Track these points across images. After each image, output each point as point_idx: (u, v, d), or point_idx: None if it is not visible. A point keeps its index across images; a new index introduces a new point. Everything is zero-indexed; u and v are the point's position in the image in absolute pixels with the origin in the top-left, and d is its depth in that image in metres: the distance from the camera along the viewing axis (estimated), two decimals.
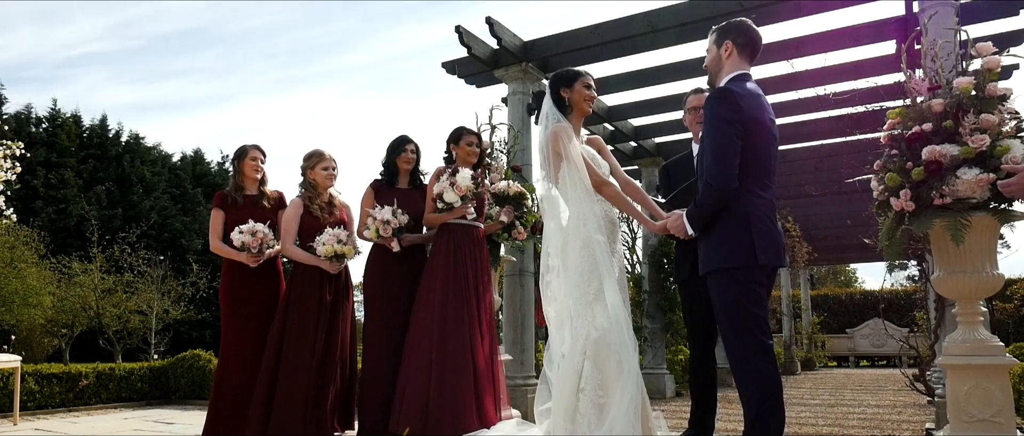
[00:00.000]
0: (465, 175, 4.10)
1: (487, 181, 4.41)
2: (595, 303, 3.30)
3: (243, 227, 4.32)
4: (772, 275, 3.16)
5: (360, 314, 5.94)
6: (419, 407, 3.95)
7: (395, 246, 4.27)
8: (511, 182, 4.32)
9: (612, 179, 3.60)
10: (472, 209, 4.23)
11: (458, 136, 4.47)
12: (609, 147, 8.94)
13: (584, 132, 3.73)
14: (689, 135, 8.64)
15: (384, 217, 4.24)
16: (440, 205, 4.20)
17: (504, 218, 4.38)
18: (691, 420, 4.00)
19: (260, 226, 4.35)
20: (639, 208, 3.66)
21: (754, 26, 3.19)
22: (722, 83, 3.10)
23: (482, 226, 4.42)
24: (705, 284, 3.93)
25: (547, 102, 3.61)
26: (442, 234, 4.30)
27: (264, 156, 4.66)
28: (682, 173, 4.15)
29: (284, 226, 4.44)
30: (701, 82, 7.10)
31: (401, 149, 4.57)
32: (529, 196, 4.44)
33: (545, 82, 6.94)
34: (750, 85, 3.07)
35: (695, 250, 3.87)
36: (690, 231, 3.07)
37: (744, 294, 2.94)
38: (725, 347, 3.02)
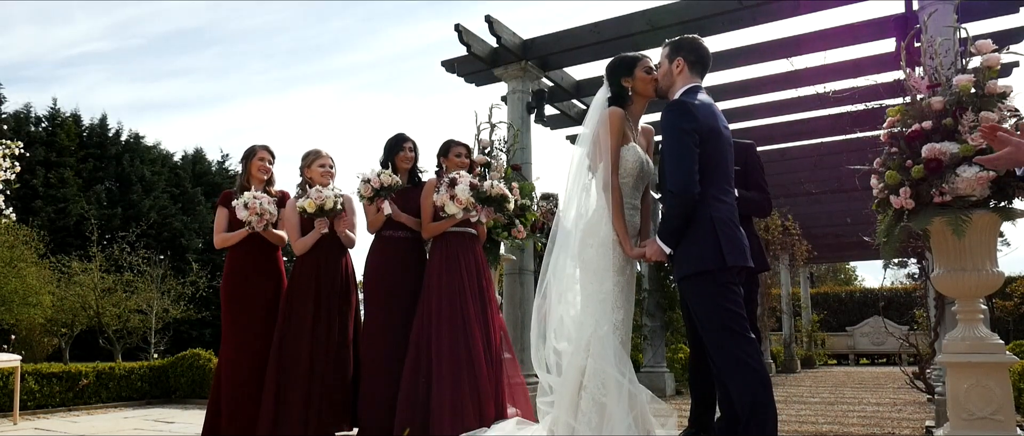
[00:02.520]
0: (463, 187, 4.08)
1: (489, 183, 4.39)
2: (605, 303, 3.28)
3: (246, 198, 4.29)
4: (742, 276, 3.20)
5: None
6: (416, 412, 3.98)
7: (387, 208, 4.26)
8: (494, 183, 4.26)
9: (633, 185, 3.48)
10: (475, 214, 4.21)
11: (446, 149, 4.55)
12: None
13: (640, 126, 3.63)
14: None
15: (365, 177, 4.25)
16: (442, 214, 4.20)
17: (483, 218, 4.29)
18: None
19: (263, 195, 4.35)
20: (628, 228, 3.46)
21: (704, 44, 3.30)
22: (675, 96, 3.20)
23: (475, 233, 4.42)
24: None
25: (602, 93, 3.53)
26: (438, 241, 4.32)
27: (272, 157, 4.66)
28: None
29: (286, 225, 4.46)
30: (708, 79, 7.11)
31: (399, 147, 4.57)
32: (512, 198, 4.36)
33: (544, 81, 6.97)
34: (702, 96, 3.17)
35: None
36: (667, 251, 3.12)
37: (721, 295, 2.99)
38: (710, 350, 3.03)
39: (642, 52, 3.61)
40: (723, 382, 3.04)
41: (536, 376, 3.61)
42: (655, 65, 3.47)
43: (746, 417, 2.89)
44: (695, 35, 3.34)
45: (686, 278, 3.09)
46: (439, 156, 4.59)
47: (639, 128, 3.60)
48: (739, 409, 2.92)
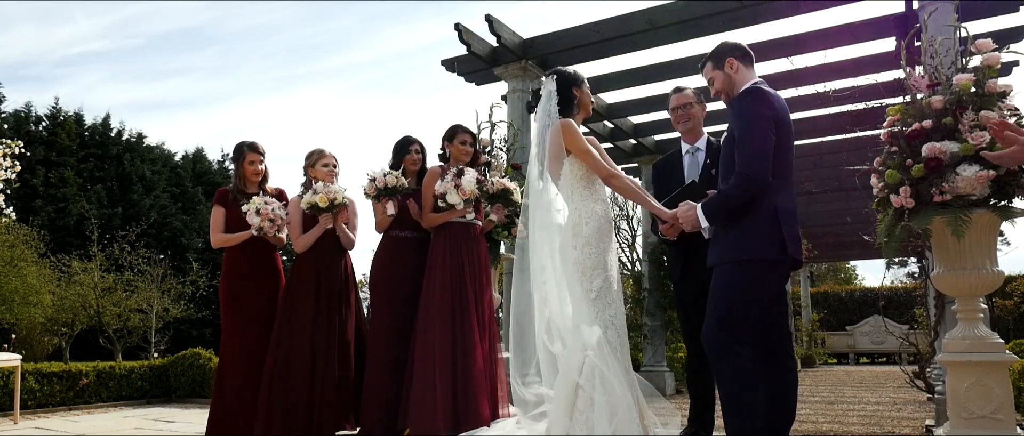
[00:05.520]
0: (470, 179, 4.09)
1: (489, 180, 4.38)
2: (597, 301, 3.29)
3: (257, 204, 4.28)
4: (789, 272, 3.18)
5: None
6: (417, 406, 3.98)
7: (391, 208, 4.28)
8: (493, 180, 4.27)
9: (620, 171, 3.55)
10: (472, 210, 4.23)
11: (453, 134, 4.49)
12: (608, 145, 8.90)
13: (583, 129, 3.69)
14: None
15: (372, 175, 4.29)
16: (441, 204, 4.20)
17: (494, 217, 4.36)
18: (691, 417, 4.00)
19: (272, 200, 4.35)
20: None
21: (739, 40, 3.29)
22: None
23: (480, 223, 4.42)
24: (698, 283, 3.94)
25: (551, 99, 3.54)
26: (439, 232, 4.31)
27: (262, 155, 4.63)
28: (669, 172, 4.16)
29: (289, 223, 4.45)
30: (700, 80, 7.10)
31: (406, 150, 4.57)
32: (517, 190, 4.39)
33: (545, 79, 6.95)
34: (762, 86, 3.11)
35: (688, 251, 3.87)
36: (704, 224, 3.07)
37: (764, 288, 2.96)
38: (707, 334, 2.99)
39: (585, 66, 3.72)
40: (771, 375, 3.05)
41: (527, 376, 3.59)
42: (703, 80, 3.41)
43: (728, 411, 2.93)
44: (725, 40, 3.35)
45: (739, 262, 2.98)
46: (444, 141, 4.52)
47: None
48: (724, 403, 2.95)
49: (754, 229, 2.97)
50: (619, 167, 3.74)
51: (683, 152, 4.13)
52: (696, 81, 7.21)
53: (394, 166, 4.56)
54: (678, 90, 4.16)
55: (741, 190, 2.95)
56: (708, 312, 3.06)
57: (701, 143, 4.08)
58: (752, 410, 2.89)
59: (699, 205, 3.11)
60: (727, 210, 3.01)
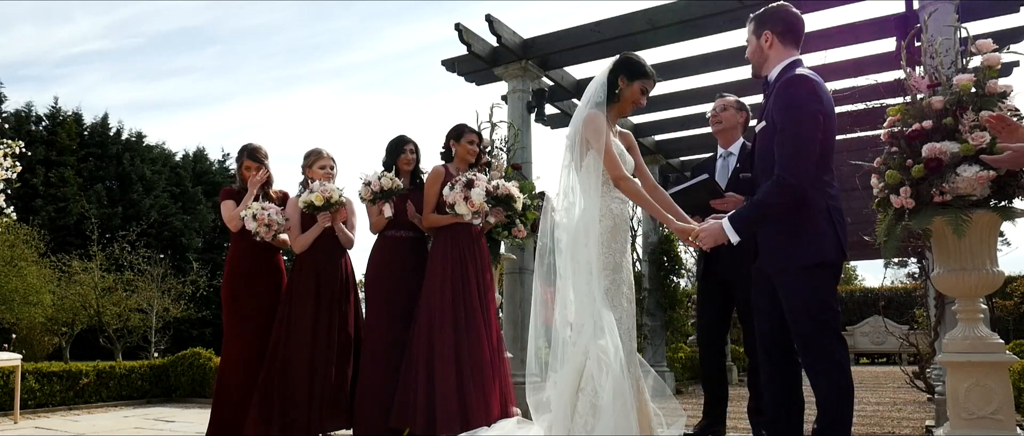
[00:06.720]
0: (479, 192, 4.06)
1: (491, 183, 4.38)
2: (603, 303, 3.22)
3: (254, 210, 4.28)
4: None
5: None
6: (422, 405, 3.98)
7: (388, 210, 4.28)
8: (500, 183, 4.25)
9: (636, 178, 3.43)
10: (479, 219, 4.22)
11: (460, 133, 4.47)
12: None
13: (617, 126, 3.57)
14: (689, 132, 8.70)
15: (366, 179, 4.28)
16: (448, 211, 4.19)
17: (491, 220, 4.31)
18: (705, 411, 4.08)
19: (270, 205, 4.35)
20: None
21: (793, 10, 2.97)
22: (774, 73, 2.94)
23: (479, 223, 4.42)
24: (720, 282, 3.96)
25: (598, 83, 3.39)
26: (441, 232, 4.31)
27: (258, 163, 4.57)
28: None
29: (288, 223, 4.45)
30: (701, 80, 7.12)
31: (400, 150, 4.57)
32: (520, 198, 4.34)
33: (544, 80, 6.96)
34: (807, 71, 2.85)
35: (715, 248, 3.79)
36: (734, 239, 2.83)
37: (830, 291, 2.81)
38: (802, 346, 2.81)
39: (650, 66, 3.45)
40: (783, 379, 2.94)
41: (535, 376, 3.59)
42: (644, 89, 3.34)
43: (832, 418, 2.75)
44: (783, 2, 3.00)
45: (796, 269, 2.78)
46: (450, 138, 4.50)
47: (617, 129, 3.52)
48: (825, 410, 2.77)
49: (806, 232, 2.77)
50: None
51: (717, 156, 4.19)
52: (697, 81, 7.26)
53: (388, 165, 4.55)
54: (721, 95, 4.27)
55: (780, 198, 2.73)
56: (792, 328, 2.85)
57: (734, 148, 4.13)
58: (850, 421, 2.79)
59: (726, 218, 2.88)
60: (760, 219, 2.83)
